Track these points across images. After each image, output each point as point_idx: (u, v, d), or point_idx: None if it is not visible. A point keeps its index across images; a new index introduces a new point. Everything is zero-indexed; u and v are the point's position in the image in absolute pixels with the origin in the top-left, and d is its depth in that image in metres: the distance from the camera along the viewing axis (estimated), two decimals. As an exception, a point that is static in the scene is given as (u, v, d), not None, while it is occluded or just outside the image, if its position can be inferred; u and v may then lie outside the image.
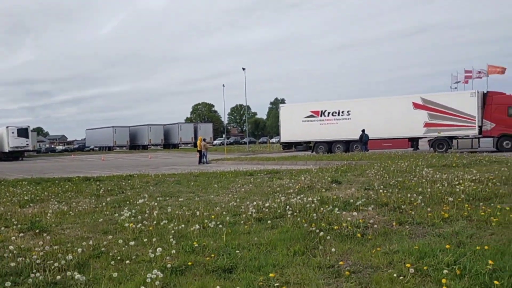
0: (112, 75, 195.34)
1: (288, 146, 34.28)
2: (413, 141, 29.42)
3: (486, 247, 4.79)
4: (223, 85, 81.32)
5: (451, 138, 27.65)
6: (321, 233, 5.68)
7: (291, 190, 10.08)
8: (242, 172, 16.67)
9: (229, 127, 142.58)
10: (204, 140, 32.95)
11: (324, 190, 10.06)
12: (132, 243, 5.47)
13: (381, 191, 8.84)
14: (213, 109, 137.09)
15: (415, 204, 7.60)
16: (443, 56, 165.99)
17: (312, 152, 32.16)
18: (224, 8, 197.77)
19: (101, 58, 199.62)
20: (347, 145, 31.00)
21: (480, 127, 26.92)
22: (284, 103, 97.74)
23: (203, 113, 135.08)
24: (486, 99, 27.16)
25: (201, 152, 31.88)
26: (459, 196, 8.04)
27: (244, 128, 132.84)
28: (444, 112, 27.55)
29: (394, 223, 6.31)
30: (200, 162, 31.28)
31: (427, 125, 28.15)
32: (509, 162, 14.83)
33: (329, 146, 31.58)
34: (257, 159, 29.82)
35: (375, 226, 6.12)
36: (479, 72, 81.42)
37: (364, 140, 29.10)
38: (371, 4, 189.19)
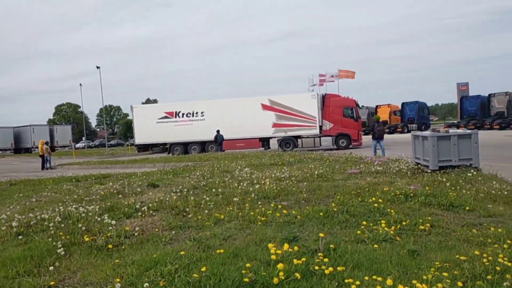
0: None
1: (144, 148, 33.00)
2: (264, 141, 30.57)
3: (222, 251, 4.71)
4: (80, 85, 76.19)
5: (297, 137, 29.39)
6: (64, 248, 5.11)
7: (93, 197, 9.33)
8: (68, 178, 15.30)
9: (98, 129, 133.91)
10: (47, 143, 30.17)
11: (129, 195, 9.50)
12: None
13: (176, 195, 8.60)
14: (79, 109, 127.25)
15: (202, 206, 7.47)
16: (301, 61, 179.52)
17: (169, 153, 31.43)
18: (92, 2, 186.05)
19: None
20: (203, 145, 30.97)
21: (321, 127, 29.09)
22: (155, 102, 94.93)
23: (68, 114, 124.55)
24: (325, 101, 29.49)
25: (44, 157, 29.14)
26: (250, 195, 8.17)
27: (116, 130, 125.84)
28: (289, 113, 29.17)
29: (157, 229, 6.01)
30: (43, 167, 28.58)
31: (275, 125, 29.50)
32: (328, 160, 16.01)
33: (185, 147, 31.21)
34: (107, 163, 28.12)
35: (136, 234, 5.76)
36: (332, 76, 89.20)
37: (218, 141, 29.34)
38: (242, 8, 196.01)
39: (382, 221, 5.69)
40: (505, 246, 4.67)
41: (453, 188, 8.35)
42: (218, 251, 4.73)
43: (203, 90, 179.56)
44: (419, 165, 11.86)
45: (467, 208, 6.72)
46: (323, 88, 77.28)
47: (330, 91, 35.65)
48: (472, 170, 9.77)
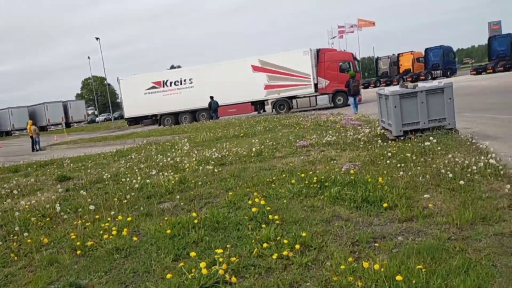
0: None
1: (134, 121, 31.52)
2: (257, 105, 28.45)
3: None
4: (88, 58, 74.97)
5: (291, 98, 27.12)
6: None
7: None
8: (8, 168, 13.91)
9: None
10: (34, 124, 29.05)
11: (13, 196, 7.87)
12: None
13: (59, 195, 6.90)
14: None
15: (47, 219, 5.75)
16: (321, 15, 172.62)
17: (160, 125, 29.92)
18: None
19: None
20: (194, 114, 29.21)
21: (316, 85, 26.63)
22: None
23: (95, 87, 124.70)
24: (319, 56, 26.85)
25: (33, 138, 28.14)
26: (132, 193, 6.40)
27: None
28: (282, 72, 26.76)
29: None
30: (33, 149, 27.60)
31: (267, 87, 27.22)
32: (299, 126, 13.93)
33: (176, 117, 29.54)
34: (93, 140, 26.73)
35: None
36: (351, 26, 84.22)
37: (213, 107, 27.39)
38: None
39: (218, 250, 3.76)
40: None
41: (398, 165, 6.28)
42: None
43: (229, 52, 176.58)
44: (385, 130, 9.71)
45: (385, 204, 4.71)
46: (343, 41, 73.30)
47: (350, 44, 32.67)
48: (431, 137, 7.55)
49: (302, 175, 6.29)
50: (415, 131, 8.81)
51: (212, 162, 8.48)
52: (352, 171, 6.02)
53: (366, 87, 58.78)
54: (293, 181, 6.14)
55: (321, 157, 7.87)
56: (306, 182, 5.90)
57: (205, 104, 27.76)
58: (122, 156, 12.67)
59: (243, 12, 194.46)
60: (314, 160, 7.65)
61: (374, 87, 56.30)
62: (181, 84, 29.04)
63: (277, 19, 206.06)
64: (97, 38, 47.89)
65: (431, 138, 7.42)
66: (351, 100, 18.59)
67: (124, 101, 30.67)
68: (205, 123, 23.51)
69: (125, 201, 6.20)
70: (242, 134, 13.67)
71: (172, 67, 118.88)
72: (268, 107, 29.41)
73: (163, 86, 29.34)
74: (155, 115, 30.26)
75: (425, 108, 8.71)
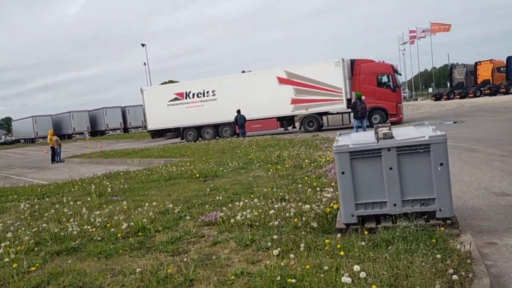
0: (84, 57, 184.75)
1: (157, 133, 29.44)
2: (283, 120, 25.09)
3: None
4: (144, 64, 75.21)
5: (321, 114, 23.45)
6: None
7: None
8: None
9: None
10: (55, 134, 27.92)
11: None
12: None
13: None
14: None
15: None
16: (393, 21, 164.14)
17: (182, 139, 27.64)
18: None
19: (71, 40, 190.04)
20: (216, 129, 26.52)
21: (349, 100, 22.68)
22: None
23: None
24: (354, 68, 22.92)
25: (54, 149, 26.95)
26: None
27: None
28: (310, 85, 23.22)
29: None
30: (53, 160, 26.44)
31: (294, 101, 23.83)
32: (278, 167, 10.42)
33: (199, 131, 27.07)
34: (105, 156, 24.45)
35: None
36: (423, 31, 77.31)
37: (239, 123, 24.47)
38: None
39: None
40: None
41: None
42: None
43: (299, 57, 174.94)
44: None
45: None
46: (414, 47, 68.28)
47: (422, 49, 28.15)
48: (419, 231, 3.86)
49: None
50: (381, 218, 5.12)
51: (49, 246, 5.43)
52: None
53: (437, 99, 52.60)
54: None
55: (178, 267, 4.47)
56: None
57: (227, 118, 25.05)
58: (45, 194, 10.13)
59: (317, 18, 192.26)
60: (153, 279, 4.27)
61: (447, 99, 50.26)
62: (203, 96, 26.49)
63: (354, 22, 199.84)
64: (143, 45, 46.99)
65: (418, 231, 3.72)
66: (355, 124, 16.30)
67: (147, 113, 28.75)
68: (216, 143, 20.47)
69: None
70: (198, 175, 10.48)
71: (243, 72, 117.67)
72: (298, 124, 25.93)
73: (186, 98, 26.99)
74: (178, 128, 27.99)
75: (396, 179, 4.97)
